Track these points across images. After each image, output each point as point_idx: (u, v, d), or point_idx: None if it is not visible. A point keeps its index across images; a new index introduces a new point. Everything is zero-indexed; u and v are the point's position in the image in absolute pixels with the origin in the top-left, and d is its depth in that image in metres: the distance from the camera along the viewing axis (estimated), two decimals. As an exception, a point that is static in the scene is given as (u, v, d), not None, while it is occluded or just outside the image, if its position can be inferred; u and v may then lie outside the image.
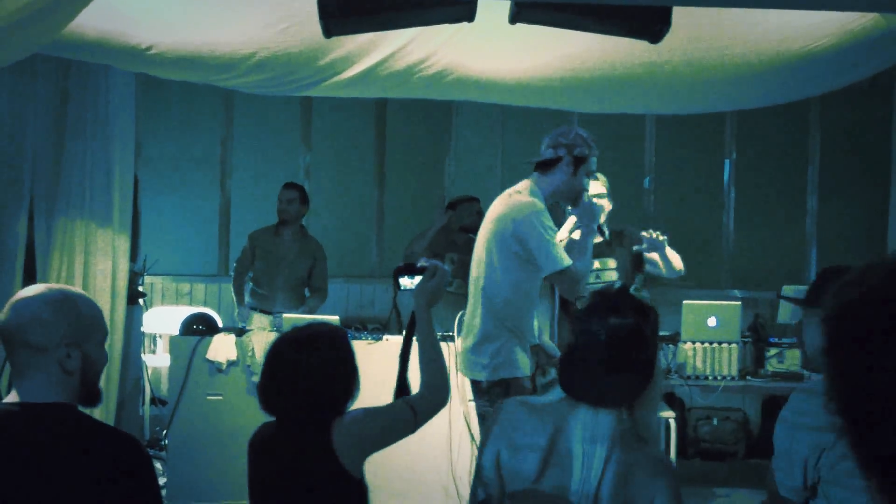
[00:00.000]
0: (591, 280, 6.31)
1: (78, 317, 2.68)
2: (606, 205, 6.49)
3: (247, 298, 8.41)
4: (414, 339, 3.75)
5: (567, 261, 5.09)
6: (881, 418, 1.10)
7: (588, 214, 5.34)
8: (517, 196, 5.25)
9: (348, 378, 3.49)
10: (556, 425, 2.85)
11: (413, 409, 3.52)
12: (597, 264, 6.39)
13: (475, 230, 8.54)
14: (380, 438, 3.48)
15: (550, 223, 5.16)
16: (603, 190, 6.51)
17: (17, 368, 2.68)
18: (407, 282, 3.90)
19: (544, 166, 5.32)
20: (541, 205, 5.16)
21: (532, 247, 5.10)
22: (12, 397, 2.67)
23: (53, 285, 2.81)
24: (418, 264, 3.89)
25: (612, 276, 6.48)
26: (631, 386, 2.85)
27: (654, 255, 6.71)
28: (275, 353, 3.51)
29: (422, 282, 3.76)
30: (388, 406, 3.56)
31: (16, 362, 2.68)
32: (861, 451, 1.12)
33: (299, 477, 3.38)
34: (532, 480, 2.83)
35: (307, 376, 3.40)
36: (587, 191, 5.45)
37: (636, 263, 6.70)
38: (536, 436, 2.86)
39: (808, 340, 3.36)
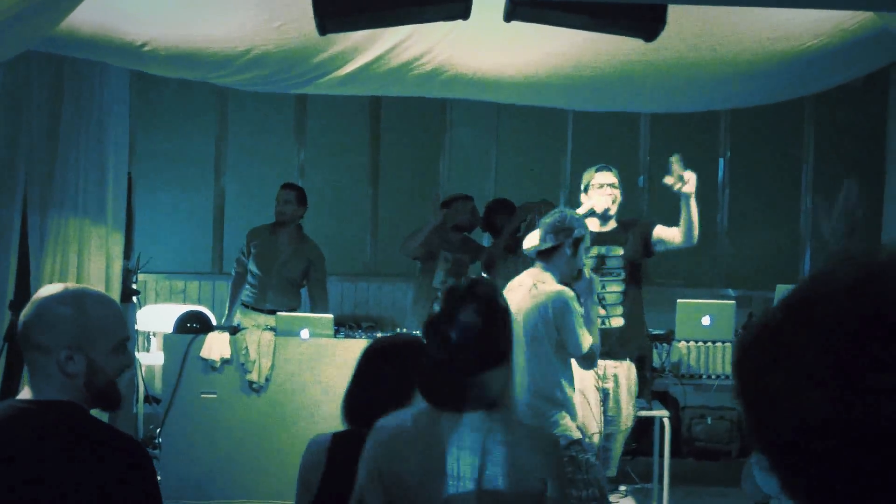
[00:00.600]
0: (596, 266, 6.37)
1: (84, 321, 2.64)
2: (617, 195, 6.56)
3: (243, 296, 8.39)
4: None
5: (588, 343, 5.44)
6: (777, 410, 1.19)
7: (588, 289, 5.64)
8: (543, 286, 5.51)
9: None
10: (424, 437, 2.84)
11: None
12: (603, 250, 6.42)
13: (469, 228, 8.58)
14: None
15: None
16: (615, 180, 6.56)
17: (28, 366, 2.68)
18: None
19: (546, 254, 5.63)
20: (570, 292, 5.50)
21: (566, 335, 5.43)
22: (25, 394, 2.67)
23: (72, 285, 2.77)
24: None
25: (618, 262, 6.49)
26: (493, 384, 2.84)
27: (663, 232, 6.66)
28: (365, 361, 3.53)
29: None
30: None
31: (27, 360, 2.68)
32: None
33: None
34: (413, 487, 2.82)
35: (397, 384, 3.40)
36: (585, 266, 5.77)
37: (645, 251, 6.68)
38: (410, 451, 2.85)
39: None
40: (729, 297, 8.73)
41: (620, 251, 6.49)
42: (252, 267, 8.30)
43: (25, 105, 6.97)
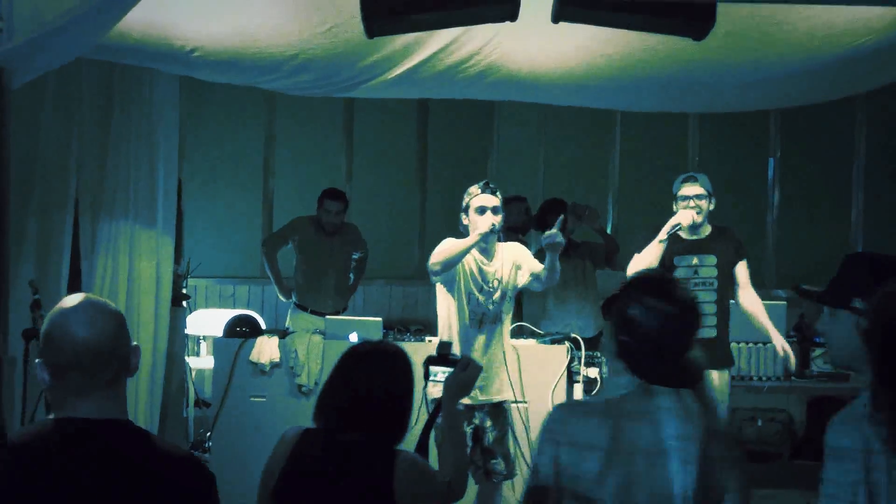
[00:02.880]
0: (690, 275, 6.39)
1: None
2: (704, 205, 6.51)
3: (294, 299, 8.43)
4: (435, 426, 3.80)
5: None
6: None
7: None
8: None
9: (404, 401, 3.50)
10: (616, 424, 2.83)
11: (449, 486, 3.56)
12: (695, 260, 6.43)
13: (524, 230, 8.56)
14: (425, 493, 3.47)
15: None
16: (701, 190, 6.51)
17: (93, 381, 2.59)
18: (438, 371, 3.92)
19: None
20: None
21: None
22: (74, 411, 2.58)
23: (83, 294, 2.75)
24: (450, 355, 3.91)
25: (711, 272, 6.46)
26: (699, 363, 2.89)
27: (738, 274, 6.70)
28: (341, 364, 3.55)
29: (453, 373, 3.75)
30: (435, 471, 3.58)
31: (100, 375, 2.59)
32: None
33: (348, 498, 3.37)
34: (595, 481, 2.81)
35: (368, 390, 3.40)
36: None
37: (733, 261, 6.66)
38: (594, 436, 2.85)
39: (835, 339, 3.15)
40: (780, 298, 8.65)
41: (714, 259, 6.48)
42: (303, 270, 8.33)
43: (76, 111, 7.03)
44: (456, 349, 5.77)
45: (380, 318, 7.46)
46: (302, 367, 7.17)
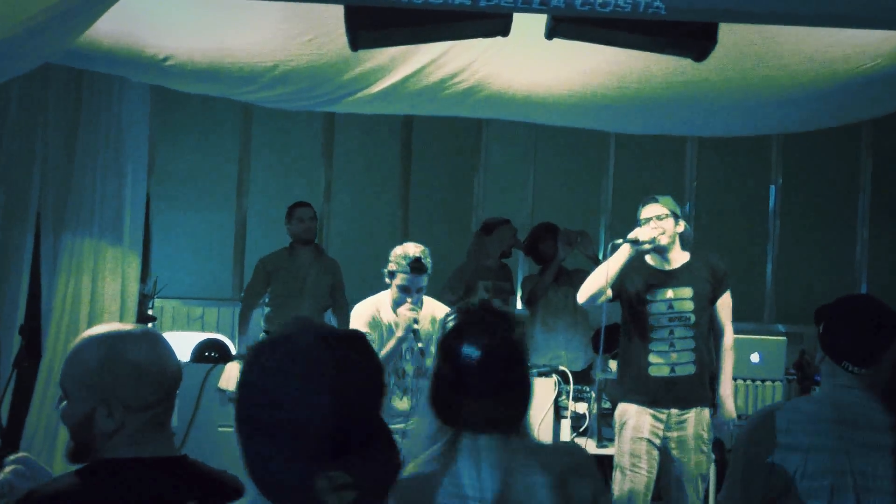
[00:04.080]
0: (664, 310, 6.20)
1: None
2: (667, 227, 6.24)
3: (263, 325, 8.40)
4: None
5: None
6: None
7: None
8: None
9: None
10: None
11: None
12: (669, 293, 6.24)
13: (508, 255, 8.62)
14: None
15: None
16: (662, 210, 6.26)
17: (164, 417, 2.60)
18: None
19: None
20: None
21: None
22: (155, 449, 2.56)
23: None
24: None
25: (688, 305, 6.27)
26: (515, 407, 2.85)
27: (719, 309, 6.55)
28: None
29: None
30: None
31: (169, 409, 2.61)
32: None
33: None
34: None
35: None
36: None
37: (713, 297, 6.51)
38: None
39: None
40: (780, 333, 8.69)
41: (690, 292, 6.24)
42: (277, 294, 8.31)
43: (41, 120, 7.03)
44: None
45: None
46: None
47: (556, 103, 7.24)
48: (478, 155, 10.62)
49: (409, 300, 6.01)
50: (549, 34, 5.73)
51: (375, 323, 6.14)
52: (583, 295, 6.28)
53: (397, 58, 6.60)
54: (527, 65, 6.77)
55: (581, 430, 6.98)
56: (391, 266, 6.08)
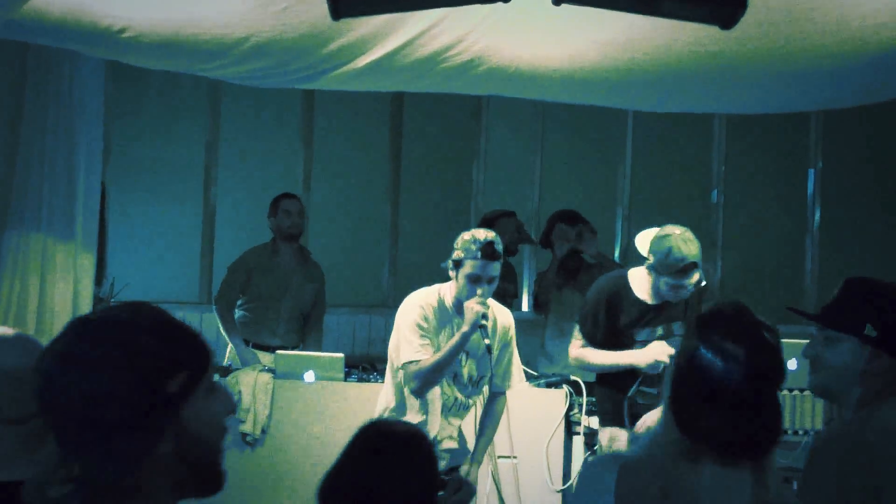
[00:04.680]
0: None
1: None
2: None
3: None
4: None
5: None
6: None
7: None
8: None
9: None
10: (663, 487, 2.75)
11: None
12: (661, 331, 6.38)
13: (513, 251, 8.59)
14: None
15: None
16: (696, 276, 6.27)
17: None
18: None
19: None
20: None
21: None
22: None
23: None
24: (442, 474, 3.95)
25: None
26: (771, 431, 2.79)
27: None
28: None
29: (442, 497, 3.79)
30: None
31: None
32: None
33: None
34: None
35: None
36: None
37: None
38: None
39: (831, 364, 3.48)
40: (820, 337, 8.68)
41: (684, 328, 6.35)
42: (255, 296, 8.29)
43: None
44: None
45: (341, 355, 7.46)
46: (246, 411, 7.16)
47: (565, 78, 7.24)
48: (477, 138, 10.60)
49: (479, 291, 5.92)
50: (557, 0, 5.72)
51: (443, 309, 5.99)
52: (575, 359, 6.51)
53: (384, 28, 6.59)
54: (532, 35, 6.77)
55: (595, 447, 6.99)
56: (457, 254, 5.91)
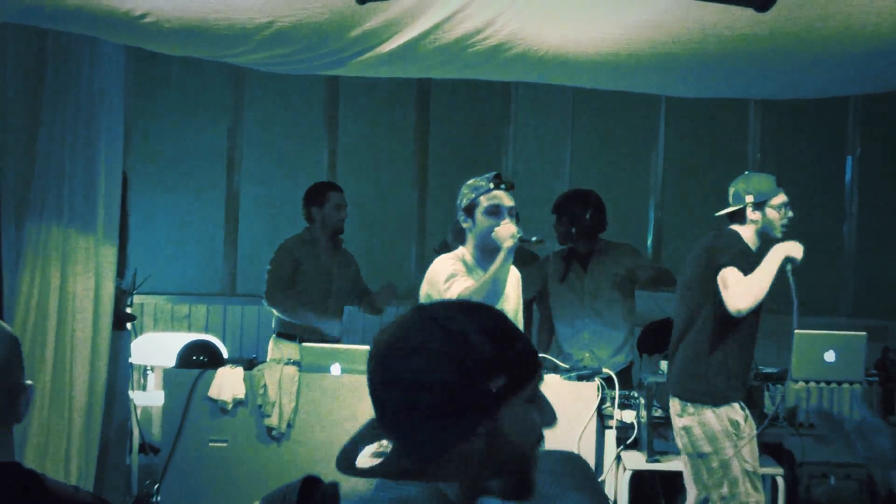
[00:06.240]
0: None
1: None
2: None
3: (275, 327, 8.37)
4: None
5: None
6: None
7: None
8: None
9: None
10: None
11: None
12: None
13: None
14: None
15: None
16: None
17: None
18: None
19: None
20: None
21: None
22: None
23: None
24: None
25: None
26: None
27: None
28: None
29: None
30: None
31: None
32: None
33: None
34: None
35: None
36: None
37: None
38: None
39: None
40: (859, 328, 8.63)
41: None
42: (297, 294, 8.26)
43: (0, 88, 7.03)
44: None
45: (367, 347, 7.44)
46: (272, 405, 7.16)
47: (596, 63, 7.21)
48: (507, 125, 10.59)
49: (503, 222, 5.91)
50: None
51: (467, 267, 6.03)
52: (747, 302, 6.35)
53: (411, 12, 6.57)
54: (562, 18, 6.75)
55: (629, 441, 6.97)
56: (466, 197, 6.03)
